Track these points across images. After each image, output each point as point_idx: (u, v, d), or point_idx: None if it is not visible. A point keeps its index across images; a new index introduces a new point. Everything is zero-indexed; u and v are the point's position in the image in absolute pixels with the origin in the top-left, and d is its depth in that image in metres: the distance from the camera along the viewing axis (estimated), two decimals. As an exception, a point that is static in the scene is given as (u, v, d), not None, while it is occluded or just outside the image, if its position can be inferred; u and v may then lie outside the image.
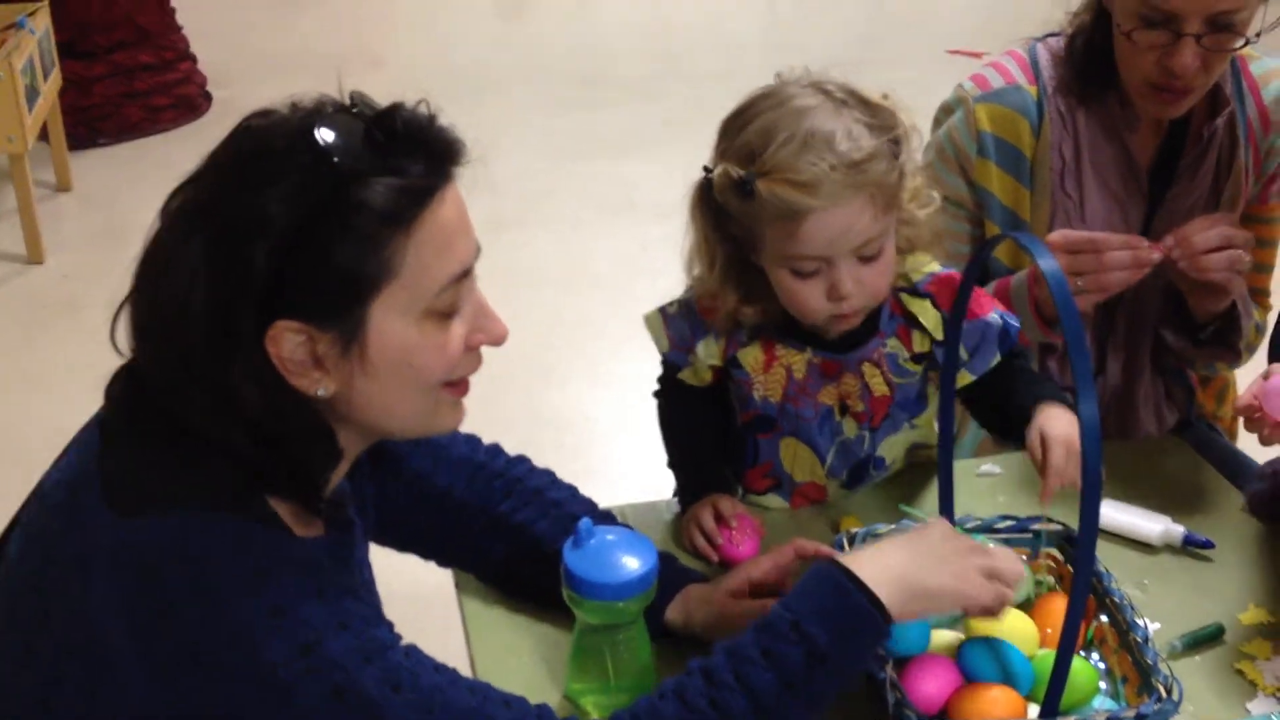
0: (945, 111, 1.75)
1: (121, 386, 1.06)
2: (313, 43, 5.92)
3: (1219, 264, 1.55)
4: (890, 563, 1.12)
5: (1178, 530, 1.49)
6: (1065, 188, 1.70)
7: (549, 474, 1.41)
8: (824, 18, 6.33)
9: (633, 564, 1.18)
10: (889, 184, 1.31)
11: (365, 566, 1.24)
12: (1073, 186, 1.70)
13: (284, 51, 5.79)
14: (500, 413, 3.04)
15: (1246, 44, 1.55)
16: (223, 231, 0.97)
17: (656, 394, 1.58)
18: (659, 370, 1.58)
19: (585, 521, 1.20)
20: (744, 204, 1.31)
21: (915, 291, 1.45)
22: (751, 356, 1.46)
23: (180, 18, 5.19)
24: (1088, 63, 1.67)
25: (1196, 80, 1.56)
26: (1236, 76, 1.70)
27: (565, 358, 3.38)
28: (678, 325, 1.49)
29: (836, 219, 1.29)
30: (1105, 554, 1.45)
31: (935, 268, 1.47)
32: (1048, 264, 1.06)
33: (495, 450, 1.41)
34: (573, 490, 1.40)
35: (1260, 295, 1.82)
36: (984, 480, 1.62)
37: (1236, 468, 1.72)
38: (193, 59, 5.22)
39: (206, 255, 0.96)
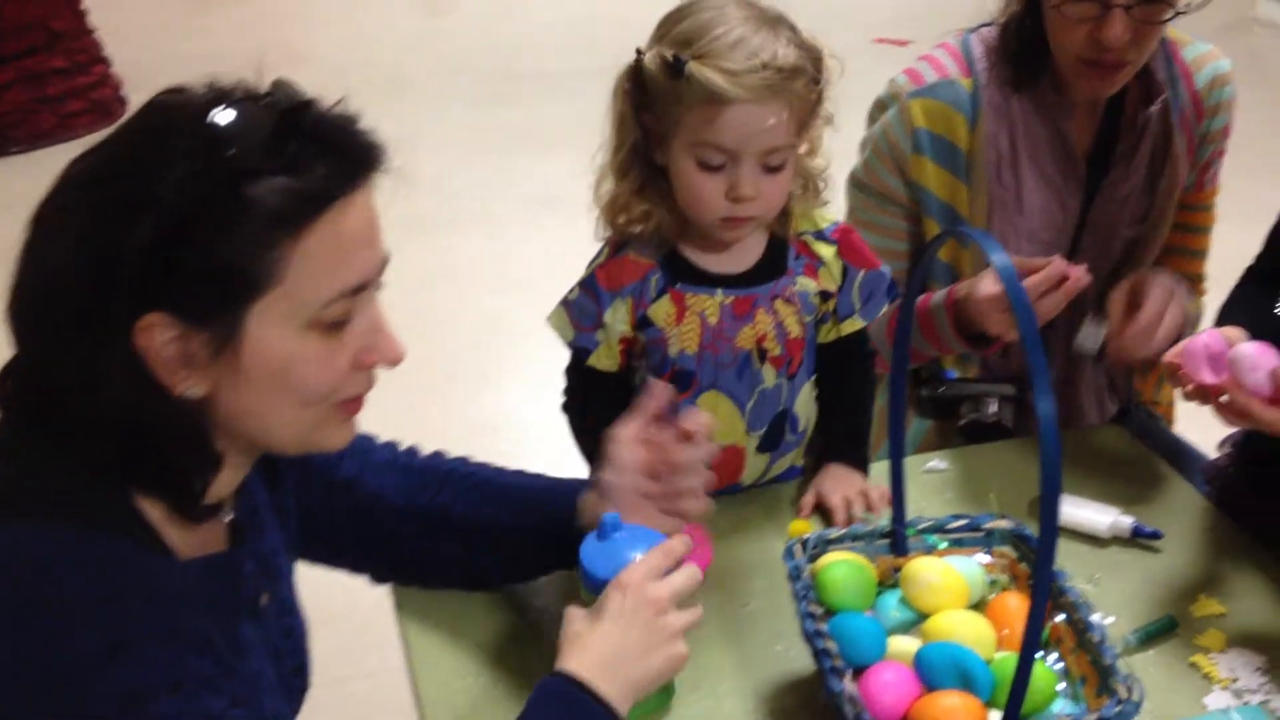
0: (879, 108, 1.73)
1: (4, 379, 1.00)
2: (231, 41, 5.80)
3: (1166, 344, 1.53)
4: (603, 654, 1.08)
5: (1126, 521, 1.48)
6: (1002, 180, 1.68)
7: (471, 460, 1.37)
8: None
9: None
10: (807, 101, 1.37)
11: (284, 582, 1.20)
12: (1010, 178, 1.68)
13: (203, 51, 5.63)
14: (430, 417, 3.00)
15: (1176, 15, 1.54)
16: (110, 204, 0.91)
17: (565, 405, 1.56)
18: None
19: (611, 516, 1.19)
20: (671, 84, 1.34)
21: (821, 236, 1.49)
22: (663, 311, 1.46)
23: (94, 20, 5.05)
24: (1021, 49, 1.65)
25: (1128, 53, 1.55)
26: (1169, 63, 1.69)
27: (495, 359, 3.33)
28: (580, 306, 1.48)
29: (755, 115, 1.33)
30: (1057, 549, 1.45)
31: (835, 218, 1.51)
32: (999, 259, 1.03)
33: (412, 450, 1.37)
34: (500, 470, 1.37)
35: (1196, 281, 1.82)
36: (931, 477, 1.61)
37: (1178, 454, 1.71)
38: (107, 62, 5.09)
39: (91, 226, 0.92)
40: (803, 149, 1.42)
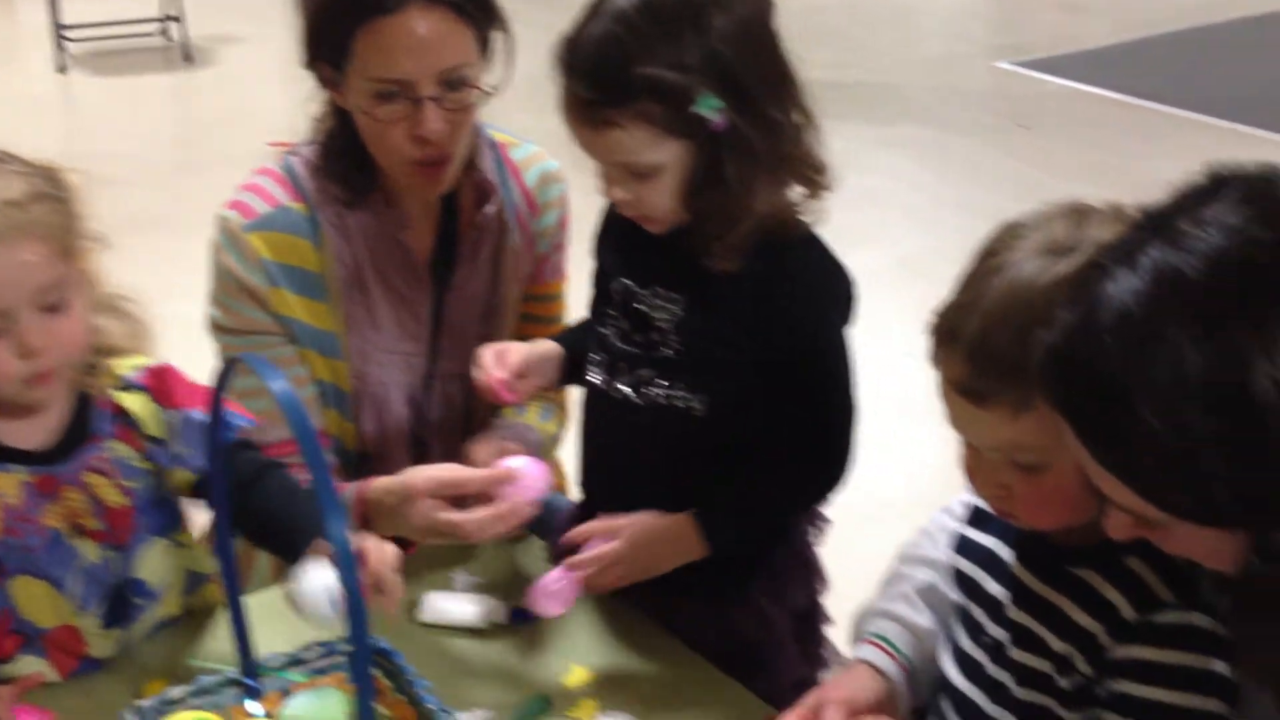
0: (218, 248, 1.61)
1: None
2: None
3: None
4: None
5: (501, 607, 1.49)
6: (353, 297, 1.64)
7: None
8: (131, 125, 6.02)
9: None
10: (57, 225, 1.27)
11: None
12: (359, 295, 1.65)
13: None
14: None
15: (485, 96, 1.57)
16: None
17: None
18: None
19: None
20: None
21: (128, 385, 1.36)
22: None
23: None
24: (345, 166, 1.62)
25: (450, 144, 1.56)
26: (499, 163, 1.72)
27: None
28: None
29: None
30: (430, 647, 1.44)
31: (146, 361, 1.39)
32: (278, 386, 1.00)
33: None
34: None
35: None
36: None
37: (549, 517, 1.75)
38: None
39: None
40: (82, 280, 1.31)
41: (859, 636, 1.30)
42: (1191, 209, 0.89)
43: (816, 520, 1.60)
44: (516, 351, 1.52)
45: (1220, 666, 1.07)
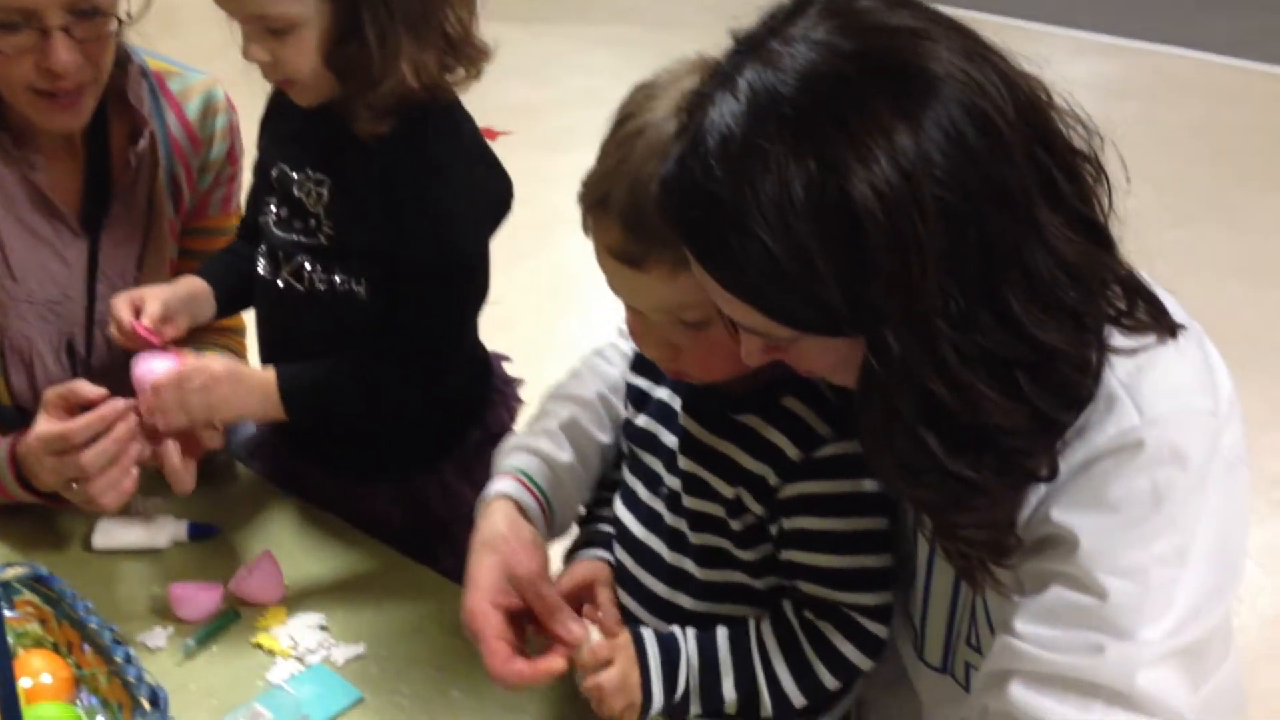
0: None
1: None
2: None
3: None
4: None
5: (182, 527, 1.44)
6: None
7: None
8: None
9: None
10: None
11: None
12: None
13: None
14: None
15: (121, 25, 1.45)
16: None
17: None
18: None
19: None
20: None
21: None
22: None
23: None
24: None
25: (85, 75, 1.42)
26: (155, 95, 1.59)
27: None
28: None
29: None
30: (108, 572, 1.38)
31: None
32: None
33: None
34: None
35: (230, 335, 1.73)
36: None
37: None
38: None
39: None
40: None
41: (498, 470, 1.27)
42: (780, 29, 0.90)
43: (510, 401, 1.59)
44: (154, 297, 1.42)
45: (872, 485, 1.11)
